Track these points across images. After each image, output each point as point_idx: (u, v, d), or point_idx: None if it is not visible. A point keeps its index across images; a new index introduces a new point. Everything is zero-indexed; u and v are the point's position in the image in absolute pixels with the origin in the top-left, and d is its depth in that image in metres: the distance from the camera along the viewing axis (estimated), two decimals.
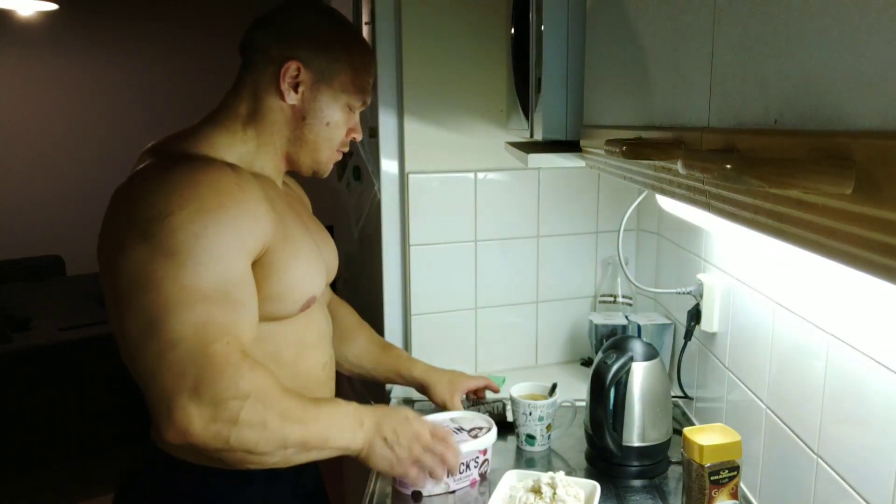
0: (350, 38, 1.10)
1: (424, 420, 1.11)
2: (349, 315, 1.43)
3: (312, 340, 1.11)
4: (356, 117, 1.14)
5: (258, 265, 0.99)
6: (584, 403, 1.34)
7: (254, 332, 0.97)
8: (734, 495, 1.06)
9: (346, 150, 1.15)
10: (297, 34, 1.06)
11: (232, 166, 1.00)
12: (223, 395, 0.88)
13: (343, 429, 1.00)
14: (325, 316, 1.18)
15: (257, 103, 1.07)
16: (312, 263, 1.08)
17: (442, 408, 1.39)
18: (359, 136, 1.15)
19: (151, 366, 0.88)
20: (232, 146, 1.05)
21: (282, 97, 1.05)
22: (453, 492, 1.22)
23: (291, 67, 1.04)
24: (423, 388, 1.41)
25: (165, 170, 0.95)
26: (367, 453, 1.02)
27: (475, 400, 1.47)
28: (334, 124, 1.09)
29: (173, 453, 1.03)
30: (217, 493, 1.05)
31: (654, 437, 1.27)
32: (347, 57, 1.08)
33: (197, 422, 0.87)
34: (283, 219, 1.05)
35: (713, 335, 1.37)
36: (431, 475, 1.09)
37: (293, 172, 1.17)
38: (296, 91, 1.05)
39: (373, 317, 1.64)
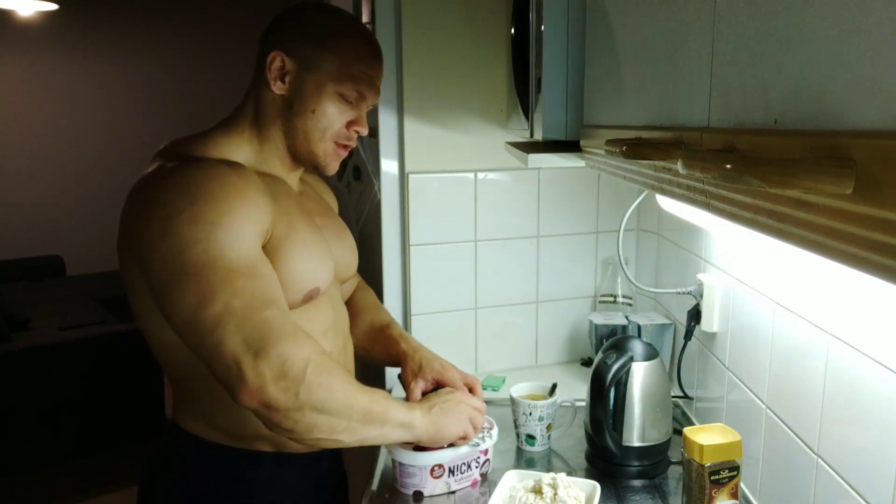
0: (341, 28, 1.10)
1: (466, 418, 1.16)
2: (364, 298, 1.41)
3: (315, 330, 1.10)
4: (357, 110, 1.12)
5: None
6: (584, 403, 1.34)
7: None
8: (734, 495, 1.06)
9: (352, 144, 1.13)
10: (284, 26, 1.09)
11: (230, 164, 1.03)
12: (286, 353, 0.92)
13: (399, 405, 1.06)
14: (333, 307, 1.18)
15: (257, 99, 1.10)
16: (315, 257, 1.09)
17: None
18: (363, 131, 1.13)
19: (212, 340, 0.92)
20: (239, 146, 1.09)
21: (270, 88, 1.07)
22: (454, 492, 1.22)
23: (276, 58, 1.06)
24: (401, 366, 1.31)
25: (171, 172, 1.00)
26: (427, 425, 1.08)
27: None
28: (321, 112, 1.08)
29: (199, 434, 1.08)
30: (230, 474, 1.09)
31: (654, 437, 1.27)
32: (335, 45, 1.07)
33: (269, 378, 0.91)
34: (288, 213, 1.07)
35: (713, 335, 1.37)
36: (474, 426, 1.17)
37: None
38: (283, 81, 1.07)
39: None
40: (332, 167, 1.14)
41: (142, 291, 1.00)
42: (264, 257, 1.00)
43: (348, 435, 0.99)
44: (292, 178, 1.16)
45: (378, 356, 1.35)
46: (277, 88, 1.07)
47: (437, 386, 1.26)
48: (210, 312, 0.92)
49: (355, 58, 1.09)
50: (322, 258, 1.11)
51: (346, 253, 1.25)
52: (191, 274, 0.92)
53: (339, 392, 0.96)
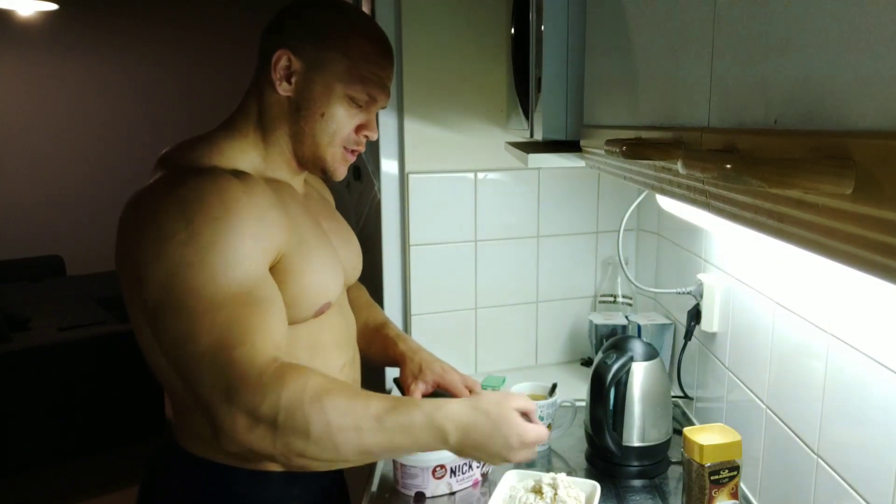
0: (349, 27, 1.04)
1: (513, 410, 0.97)
2: (358, 297, 1.38)
3: (328, 343, 1.09)
4: (367, 114, 1.07)
5: (272, 272, 0.98)
6: (584, 403, 1.34)
7: (285, 326, 0.96)
8: (734, 495, 1.06)
9: (360, 148, 1.08)
10: (289, 24, 1.04)
11: (239, 175, 0.98)
12: (252, 402, 0.87)
13: (419, 442, 0.93)
14: (344, 318, 1.15)
15: (260, 101, 1.05)
16: (327, 270, 1.06)
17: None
18: (372, 135, 1.08)
19: (189, 378, 0.90)
20: (244, 151, 1.04)
21: (275, 89, 1.02)
22: (455, 492, 1.22)
23: (282, 58, 1.01)
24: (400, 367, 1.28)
25: (172, 185, 0.95)
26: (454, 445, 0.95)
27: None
28: (330, 116, 1.03)
29: (198, 453, 1.04)
30: (236, 490, 1.05)
31: (654, 437, 1.27)
32: (343, 44, 1.02)
33: (240, 427, 0.87)
34: (298, 225, 1.03)
35: (713, 335, 1.37)
36: None
37: None
38: (289, 82, 1.02)
39: None
40: (341, 173, 1.09)
41: (136, 305, 0.96)
42: (264, 279, 0.95)
43: (355, 464, 0.95)
44: (297, 181, 1.12)
45: (375, 356, 1.32)
46: (283, 90, 1.02)
47: (437, 389, 1.22)
48: (189, 351, 0.88)
49: (364, 59, 1.03)
50: (333, 271, 1.08)
51: (353, 257, 1.23)
52: (177, 303, 0.89)
53: (321, 436, 0.88)
